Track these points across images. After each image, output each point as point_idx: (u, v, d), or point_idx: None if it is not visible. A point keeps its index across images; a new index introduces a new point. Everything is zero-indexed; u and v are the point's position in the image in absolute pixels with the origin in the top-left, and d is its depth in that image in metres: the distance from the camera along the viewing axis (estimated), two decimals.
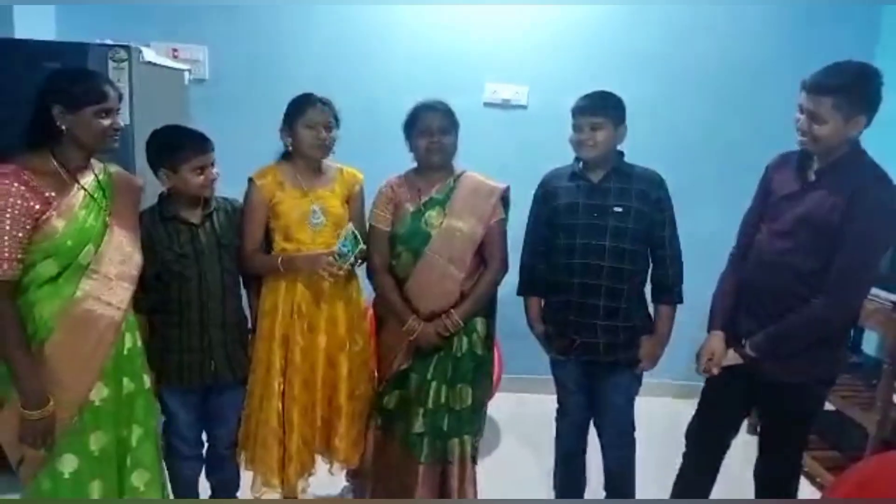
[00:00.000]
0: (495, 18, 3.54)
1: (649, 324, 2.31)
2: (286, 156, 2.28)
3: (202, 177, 2.05)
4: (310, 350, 2.25)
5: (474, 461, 2.38)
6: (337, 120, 2.25)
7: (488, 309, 2.36)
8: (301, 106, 2.20)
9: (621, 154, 2.28)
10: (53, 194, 1.74)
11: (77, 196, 1.80)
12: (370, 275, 2.34)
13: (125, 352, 1.92)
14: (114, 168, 1.99)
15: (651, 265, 2.29)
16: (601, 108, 2.17)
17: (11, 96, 1.96)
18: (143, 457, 1.99)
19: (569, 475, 2.52)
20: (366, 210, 2.40)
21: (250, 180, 2.24)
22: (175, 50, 3.37)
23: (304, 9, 3.47)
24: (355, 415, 2.36)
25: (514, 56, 3.60)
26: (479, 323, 2.32)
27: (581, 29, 3.57)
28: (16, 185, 1.68)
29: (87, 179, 1.86)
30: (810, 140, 1.92)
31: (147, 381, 2.01)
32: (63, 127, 1.76)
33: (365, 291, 2.45)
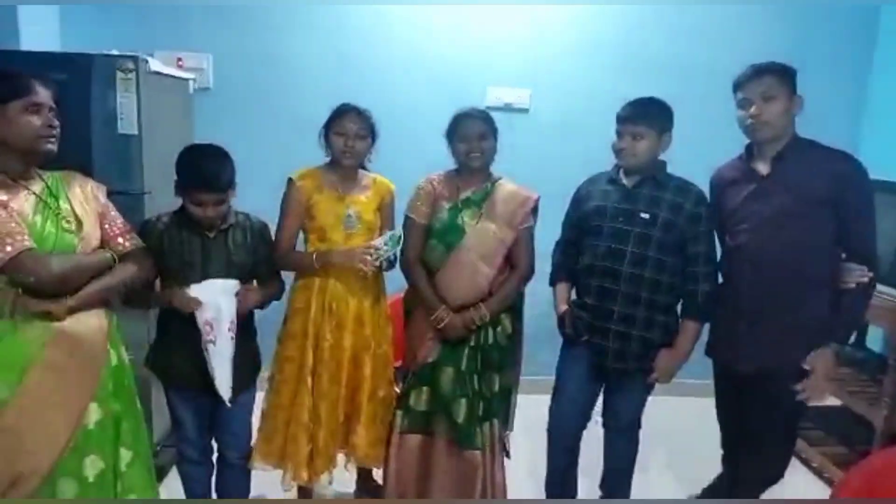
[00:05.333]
0: (498, 22, 3.57)
1: (670, 338, 2.26)
2: (330, 161, 2.38)
3: (200, 209, 2.03)
4: (336, 348, 2.33)
5: (506, 451, 2.45)
6: (373, 131, 2.33)
7: (514, 307, 2.44)
8: (335, 114, 2.30)
9: (663, 164, 2.28)
10: (5, 198, 1.65)
11: (29, 200, 1.71)
12: (403, 265, 2.40)
13: (112, 370, 1.84)
14: (66, 173, 1.87)
15: (683, 279, 2.25)
16: (643, 117, 2.17)
17: None
18: (133, 481, 1.89)
19: (557, 487, 2.52)
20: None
21: (290, 180, 2.33)
22: (180, 59, 3.40)
23: (306, 17, 3.50)
24: (376, 415, 2.43)
25: (517, 60, 3.63)
26: (505, 318, 2.40)
27: (584, 32, 3.60)
28: None
29: (36, 185, 1.75)
30: (763, 124, 2.00)
31: (136, 401, 1.93)
32: None
33: (389, 288, 2.52)
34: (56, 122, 1.73)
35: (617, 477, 2.48)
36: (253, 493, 2.44)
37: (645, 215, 2.19)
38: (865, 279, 1.95)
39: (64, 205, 1.78)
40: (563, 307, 2.40)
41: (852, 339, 3.59)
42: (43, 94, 1.70)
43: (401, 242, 2.31)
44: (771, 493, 2.29)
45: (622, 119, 2.21)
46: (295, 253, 2.38)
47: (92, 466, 1.77)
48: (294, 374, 2.34)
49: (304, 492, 2.54)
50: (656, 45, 3.62)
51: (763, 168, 2.06)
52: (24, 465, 1.67)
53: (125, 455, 1.88)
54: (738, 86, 2.05)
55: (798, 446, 3.22)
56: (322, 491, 2.65)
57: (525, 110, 3.67)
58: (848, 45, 3.69)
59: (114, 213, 1.94)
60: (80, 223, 1.78)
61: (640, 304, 2.22)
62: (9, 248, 1.59)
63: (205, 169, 2.01)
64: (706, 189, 2.28)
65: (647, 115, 2.18)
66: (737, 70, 2.08)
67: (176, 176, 2.05)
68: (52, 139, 1.73)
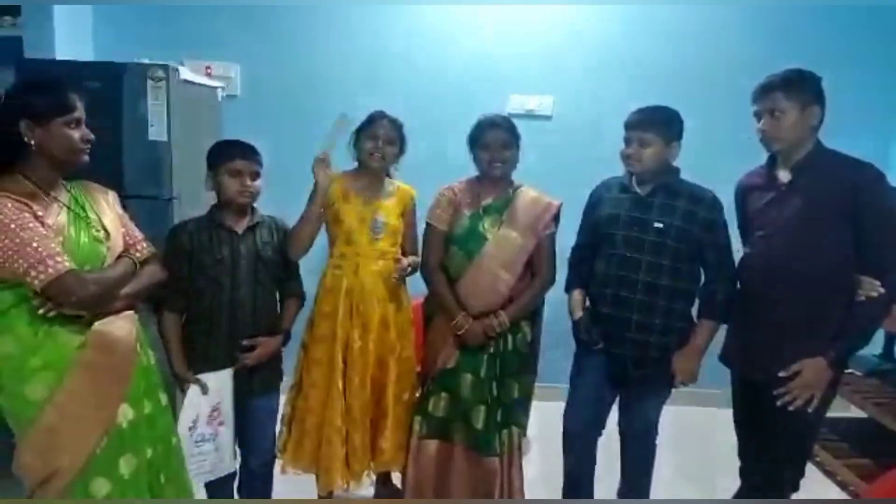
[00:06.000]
0: (520, 29, 3.60)
1: (686, 342, 2.27)
2: (357, 167, 2.43)
3: (235, 180, 2.11)
4: (363, 350, 2.36)
5: (520, 451, 2.45)
6: (402, 139, 2.39)
7: (533, 314, 2.45)
8: (368, 119, 2.37)
9: (676, 170, 2.28)
10: (41, 213, 1.67)
11: (62, 214, 1.74)
12: (424, 272, 2.42)
13: (142, 370, 1.88)
14: (84, 183, 1.90)
15: (701, 282, 2.26)
16: (650, 124, 2.17)
17: None
18: (171, 472, 1.96)
19: (576, 486, 2.51)
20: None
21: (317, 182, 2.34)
22: (208, 67, 3.48)
23: (332, 26, 3.56)
24: (400, 419, 2.44)
25: (540, 67, 3.64)
26: (525, 325, 2.41)
27: (607, 38, 3.61)
28: (7, 201, 1.61)
29: (65, 197, 1.78)
30: (776, 138, 2.01)
31: (164, 398, 1.97)
32: (32, 142, 1.67)
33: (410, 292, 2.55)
34: (91, 135, 1.78)
35: (635, 485, 2.47)
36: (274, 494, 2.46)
37: (658, 224, 2.19)
38: (875, 293, 1.92)
39: (91, 214, 1.82)
40: (579, 314, 2.41)
41: (880, 350, 3.56)
42: (81, 108, 1.75)
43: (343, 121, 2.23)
44: None
45: (629, 126, 2.22)
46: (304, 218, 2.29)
47: (127, 465, 1.81)
48: (324, 377, 2.35)
49: (326, 496, 2.52)
50: (680, 51, 3.61)
51: (784, 176, 2.06)
52: (58, 462, 1.71)
53: (161, 449, 1.93)
54: (752, 97, 2.05)
55: (822, 458, 3.19)
56: (340, 493, 2.68)
57: (548, 117, 3.68)
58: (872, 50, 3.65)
59: (129, 220, 1.99)
60: (107, 232, 1.83)
61: (658, 312, 2.22)
62: (50, 271, 1.62)
63: (239, 142, 2.17)
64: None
65: (655, 122, 2.18)
66: (764, 75, 2.07)
67: (208, 168, 2.13)
68: (87, 151, 1.78)
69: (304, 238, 2.27)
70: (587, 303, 2.42)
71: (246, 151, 2.15)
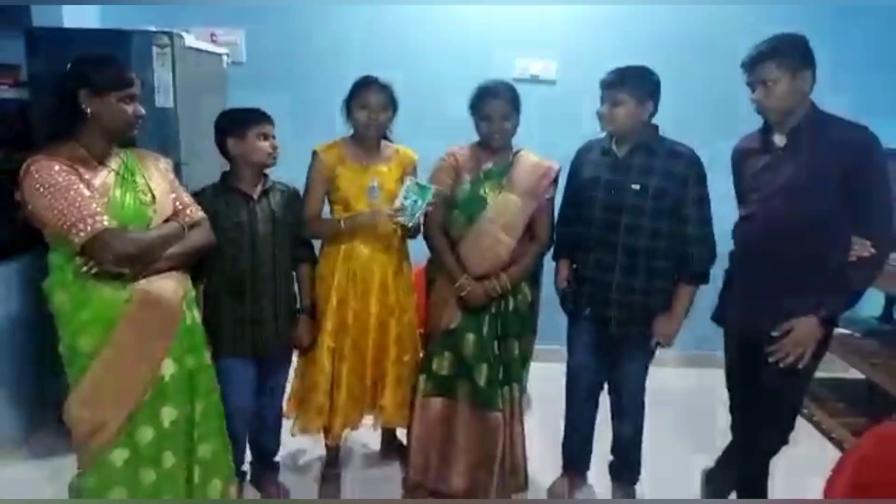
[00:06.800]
0: None
1: (670, 301, 2.33)
2: (353, 134, 2.44)
3: (267, 143, 2.20)
4: (361, 313, 2.43)
5: (521, 406, 2.53)
6: (394, 103, 2.39)
7: (533, 276, 2.51)
8: (357, 88, 2.36)
9: (655, 128, 2.30)
10: (87, 176, 1.79)
11: (109, 177, 1.85)
12: (426, 235, 2.47)
13: (186, 328, 1.99)
14: (138, 150, 2.02)
15: (677, 242, 2.29)
16: (622, 83, 2.19)
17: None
18: (208, 429, 2.07)
19: (575, 442, 2.63)
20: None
21: (314, 153, 2.42)
22: (213, 34, 3.50)
23: None
24: (401, 379, 2.53)
25: (544, 31, 3.64)
26: (525, 286, 2.47)
27: (611, 4, 3.59)
28: (54, 164, 1.74)
29: (115, 162, 1.89)
30: (770, 105, 2.02)
31: (207, 356, 2.09)
32: (88, 111, 1.79)
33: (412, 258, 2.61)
34: (141, 111, 1.89)
35: (627, 445, 2.55)
36: (284, 451, 2.59)
37: (636, 186, 2.22)
38: (866, 254, 1.95)
39: (140, 180, 1.92)
40: (564, 283, 2.49)
41: (879, 312, 3.60)
42: (136, 86, 1.87)
43: (425, 185, 2.30)
44: (792, 468, 2.32)
45: (603, 85, 2.24)
46: (323, 220, 2.46)
47: (168, 415, 1.94)
48: (316, 336, 2.44)
49: (331, 451, 2.67)
50: (685, 17, 3.59)
51: (779, 140, 2.08)
52: (105, 413, 1.85)
53: (199, 406, 2.05)
54: (743, 68, 2.06)
55: (818, 417, 3.26)
56: (352, 447, 2.80)
57: (552, 82, 3.69)
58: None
59: (179, 186, 2.09)
60: (153, 196, 1.93)
61: (639, 273, 2.27)
62: (89, 228, 1.72)
63: (254, 108, 2.23)
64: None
65: (626, 81, 2.19)
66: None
67: (229, 129, 2.19)
68: (138, 126, 1.91)
69: (318, 233, 2.45)
70: (571, 271, 2.49)
71: (268, 116, 2.24)
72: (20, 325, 2.81)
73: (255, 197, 2.24)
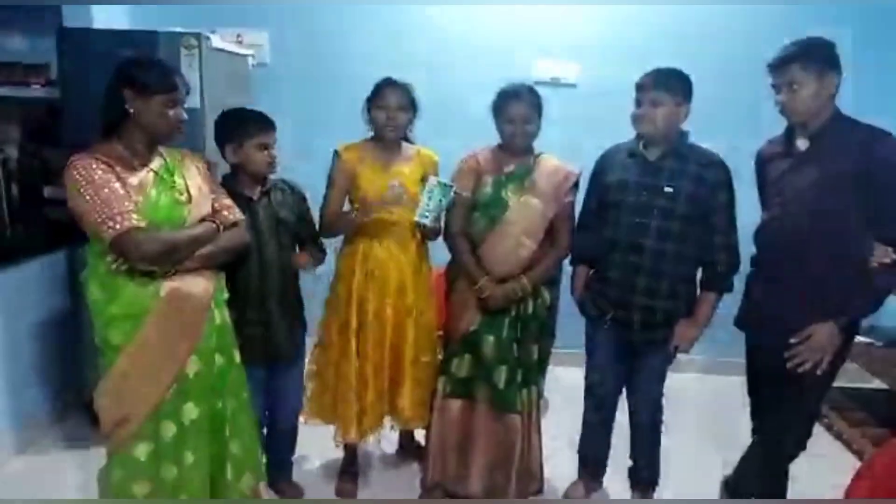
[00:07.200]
0: None
1: (693, 307, 2.33)
2: (373, 135, 2.46)
3: (265, 153, 2.19)
4: (380, 312, 2.45)
5: (538, 409, 2.54)
6: (414, 103, 2.41)
7: (551, 280, 2.52)
8: (376, 88, 2.38)
9: (685, 134, 2.30)
10: (125, 175, 1.82)
11: (147, 176, 1.87)
12: (447, 237, 2.48)
13: (215, 328, 2.00)
14: (182, 151, 2.05)
15: (703, 249, 2.28)
16: (661, 85, 2.19)
17: (90, 84, 2.02)
18: (239, 426, 2.09)
19: (592, 446, 2.63)
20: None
21: (336, 152, 2.44)
22: (239, 35, 3.54)
23: None
24: (420, 380, 2.53)
25: (565, 34, 3.64)
26: (544, 290, 2.47)
27: (632, 6, 3.58)
28: (94, 162, 1.77)
29: (156, 162, 1.92)
30: (795, 109, 2.01)
31: (237, 355, 2.10)
32: (132, 111, 1.82)
33: (434, 260, 2.63)
34: (184, 116, 1.92)
35: (646, 450, 2.54)
36: (300, 450, 2.62)
37: (668, 189, 2.22)
38: (887, 260, 1.93)
39: (178, 180, 1.95)
40: (580, 292, 2.50)
41: None
42: (181, 91, 1.90)
43: (447, 184, 2.31)
44: (814, 476, 2.31)
45: (641, 87, 2.23)
46: (339, 213, 2.46)
47: (189, 413, 1.96)
48: (341, 336, 2.46)
49: (350, 450, 2.68)
50: (708, 20, 3.58)
51: (802, 144, 2.07)
52: (130, 406, 1.89)
53: (231, 403, 2.08)
54: (769, 70, 2.05)
55: (839, 427, 3.23)
56: (369, 449, 2.82)
57: (573, 85, 3.69)
58: None
59: (219, 187, 2.12)
60: (190, 196, 1.96)
61: (664, 277, 2.26)
62: (118, 226, 1.75)
63: (256, 113, 2.23)
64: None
65: (666, 83, 2.20)
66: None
67: (227, 136, 2.19)
68: (181, 131, 1.94)
69: (335, 231, 2.47)
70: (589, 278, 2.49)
71: (268, 123, 2.22)
72: (58, 318, 2.90)
73: (255, 198, 2.24)
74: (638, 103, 2.25)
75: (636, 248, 2.27)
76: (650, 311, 2.30)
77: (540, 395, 2.58)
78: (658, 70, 2.23)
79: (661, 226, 2.23)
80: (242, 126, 2.19)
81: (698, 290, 2.35)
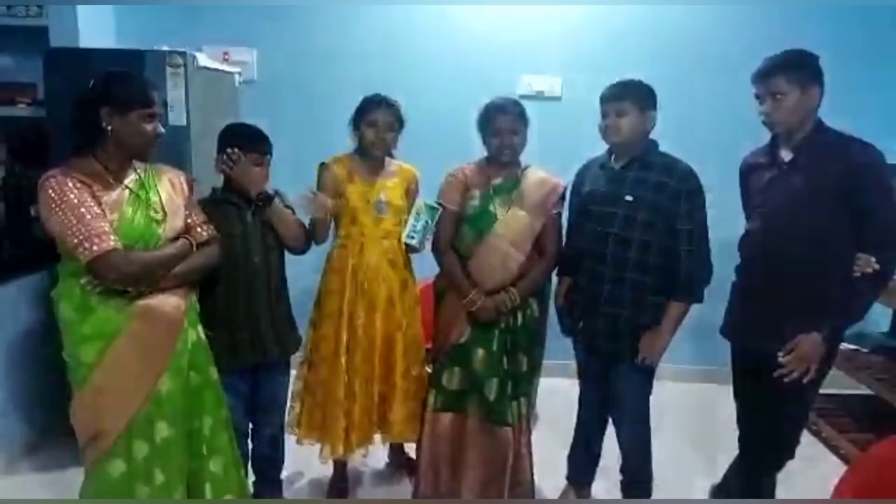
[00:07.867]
0: (530, 11, 3.64)
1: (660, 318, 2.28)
2: (358, 150, 2.49)
3: (259, 169, 2.22)
4: (369, 327, 2.45)
5: (529, 421, 2.54)
6: (401, 121, 2.44)
7: (540, 292, 2.54)
8: (366, 106, 2.41)
9: (654, 143, 2.31)
10: (100, 193, 1.81)
11: (122, 194, 1.86)
12: (435, 250, 2.50)
13: (189, 346, 1.99)
14: (158, 166, 2.04)
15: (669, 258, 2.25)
16: (624, 94, 2.22)
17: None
18: (217, 444, 2.08)
19: (581, 454, 2.64)
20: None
21: (323, 164, 2.47)
22: (226, 53, 3.57)
23: (346, 10, 3.64)
24: (409, 393, 2.54)
25: (549, 48, 3.69)
26: (533, 302, 2.49)
27: (616, 20, 3.64)
28: (69, 180, 1.75)
29: (130, 178, 1.90)
30: (778, 119, 2.05)
31: (213, 373, 2.09)
32: (109, 128, 1.81)
33: (418, 274, 2.64)
34: (161, 130, 1.91)
35: (634, 462, 2.49)
36: (289, 467, 2.61)
37: (629, 197, 2.23)
38: (870, 269, 1.96)
39: (154, 197, 1.94)
40: (561, 301, 2.52)
41: (886, 328, 3.59)
42: (158, 105, 1.89)
43: (435, 213, 2.39)
44: (801, 481, 2.31)
45: (604, 99, 2.27)
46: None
47: (160, 431, 1.93)
48: (330, 352, 2.46)
49: (339, 465, 2.68)
50: (692, 34, 3.64)
51: (785, 155, 2.10)
52: (104, 422, 1.88)
53: (208, 421, 2.06)
54: (752, 80, 2.09)
55: (827, 433, 3.25)
56: (357, 466, 2.81)
57: (557, 98, 3.74)
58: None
59: (195, 204, 2.12)
60: (165, 213, 1.95)
61: (626, 286, 2.25)
62: (95, 248, 1.74)
63: (255, 128, 2.27)
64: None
65: (629, 92, 2.23)
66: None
67: (228, 151, 2.20)
68: (157, 145, 1.93)
69: (321, 230, 2.42)
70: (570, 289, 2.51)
71: (260, 143, 2.25)
72: (37, 338, 2.87)
73: (245, 205, 2.26)
74: (604, 115, 2.28)
75: (600, 257, 2.28)
76: (613, 320, 2.29)
77: (531, 406, 2.58)
78: (620, 81, 2.27)
79: (621, 234, 2.24)
80: (240, 143, 2.21)
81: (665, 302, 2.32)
